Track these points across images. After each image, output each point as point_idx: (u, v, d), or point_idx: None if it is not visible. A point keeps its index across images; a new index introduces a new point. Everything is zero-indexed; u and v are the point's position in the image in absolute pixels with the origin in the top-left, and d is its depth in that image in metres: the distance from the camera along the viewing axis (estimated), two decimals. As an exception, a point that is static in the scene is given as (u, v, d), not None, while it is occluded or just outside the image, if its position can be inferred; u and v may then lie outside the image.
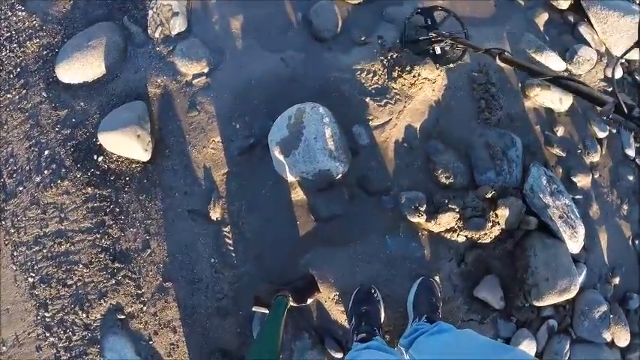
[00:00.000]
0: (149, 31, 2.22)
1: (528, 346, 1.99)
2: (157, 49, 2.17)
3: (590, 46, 2.45)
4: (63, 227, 2.03)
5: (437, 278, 1.93)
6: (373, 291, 1.79)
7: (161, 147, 2.03)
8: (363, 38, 2.12)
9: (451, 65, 2.08)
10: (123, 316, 1.95)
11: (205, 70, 2.08)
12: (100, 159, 2.05)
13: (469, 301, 1.99)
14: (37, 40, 2.31)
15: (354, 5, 2.21)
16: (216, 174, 1.97)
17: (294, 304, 1.77)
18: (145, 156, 1.97)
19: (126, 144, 1.94)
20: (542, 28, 2.42)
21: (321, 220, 1.91)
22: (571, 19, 2.52)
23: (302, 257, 1.88)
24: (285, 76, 2.03)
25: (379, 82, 2.03)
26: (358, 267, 1.88)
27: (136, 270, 1.96)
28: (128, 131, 1.92)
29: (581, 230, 2.08)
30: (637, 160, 2.48)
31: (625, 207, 2.39)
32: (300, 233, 1.90)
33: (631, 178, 2.42)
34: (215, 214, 1.93)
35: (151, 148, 1.99)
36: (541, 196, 2.02)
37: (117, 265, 1.97)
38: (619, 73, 2.53)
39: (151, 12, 2.24)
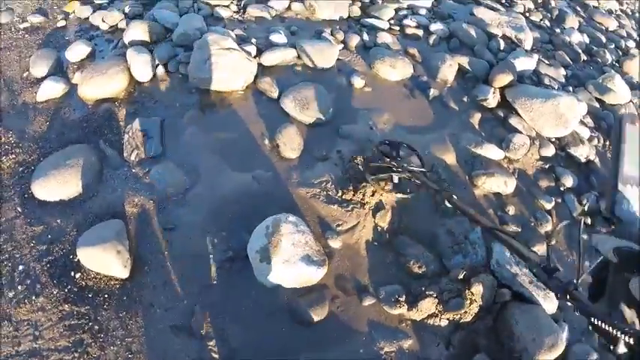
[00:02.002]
0: (125, 154, 2.63)
1: None
2: (133, 170, 2.56)
3: (521, 133, 3.07)
4: (37, 346, 2.06)
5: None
6: None
7: (139, 264, 2.27)
8: (324, 154, 2.63)
9: (406, 196, 2.55)
10: None
11: (181, 191, 2.48)
12: (78, 276, 2.21)
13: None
14: (13, 156, 2.61)
15: (312, 127, 2.78)
16: (196, 288, 2.22)
17: None
18: (124, 273, 2.21)
19: (105, 260, 2.18)
20: (477, 126, 3.06)
21: (305, 324, 2.17)
22: (501, 114, 3.23)
23: (292, 365, 2.09)
24: (257, 192, 2.49)
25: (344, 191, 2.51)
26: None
27: (120, 391, 2.02)
28: (108, 247, 2.17)
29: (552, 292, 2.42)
30: (588, 221, 2.95)
31: (587, 263, 2.76)
32: (287, 340, 2.14)
33: (585, 237, 2.84)
34: (199, 328, 2.13)
35: (130, 264, 2.23)
36: (508, 267, 2.43)
37: (98, 385, 2.01)
38: (551, 152, 3.12)
39: (126, 136, 2.70)
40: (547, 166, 3.11)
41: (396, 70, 3.21)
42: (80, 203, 2.44)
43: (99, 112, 2.86)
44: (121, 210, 2.42)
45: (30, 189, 2.44)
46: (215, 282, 2.25)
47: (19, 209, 2.43)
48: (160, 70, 3.05)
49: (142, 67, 2.98)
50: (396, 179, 2.50)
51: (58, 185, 2.43)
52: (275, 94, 2.94)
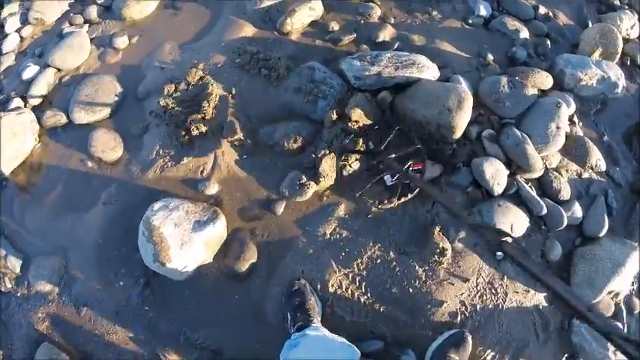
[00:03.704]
0: (2, 289, 2.33)
1: (494, 165, 2.08)
2: (19, 295, 2.28)
3: None
4: None
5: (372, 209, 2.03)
6: (302, 282, 1.90)
7: (85, 357, 2.09)
8: (142, 126, 2.34)
9: (412, 195, 2.04)
10: None
11: (62, 272, 2.23)
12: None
13: (416, 195, 2.07)
14: None
15: (114, 114, 2.48)
16: (142, 333, 2.03)
17: None
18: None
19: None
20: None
21: (248, 274, 2.03)
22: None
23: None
24: (117, 212, 2.21)
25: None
26: (303, 268, 1.99)
27: None
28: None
29: (421, 58, 2.28)
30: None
31: (435, 13, 2.66)
32: (247, 299, 2.00)
33: None
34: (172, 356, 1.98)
35: (77, 365, 2.04)
36: (366, 73, 2.21)
37: None
38: None
39: (-11, 272, 2.38)
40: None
41: (145, 3, 2.78)
42: (5, 363, 2.19)
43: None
44: (38, 334, 2.17)
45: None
46: (152, 314, 2.05)
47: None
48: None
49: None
50: (388, 180, 2.04)
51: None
52: (64, 119, 2.54)
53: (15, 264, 2.33)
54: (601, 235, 2.13)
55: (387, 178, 2.02)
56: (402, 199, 2.03)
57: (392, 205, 2.03)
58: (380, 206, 2.03)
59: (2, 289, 2.33)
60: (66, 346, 2.11)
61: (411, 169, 2.01)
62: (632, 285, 2.14)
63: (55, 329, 2.15)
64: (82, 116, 2.49)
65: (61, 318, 2.16)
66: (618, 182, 2.33)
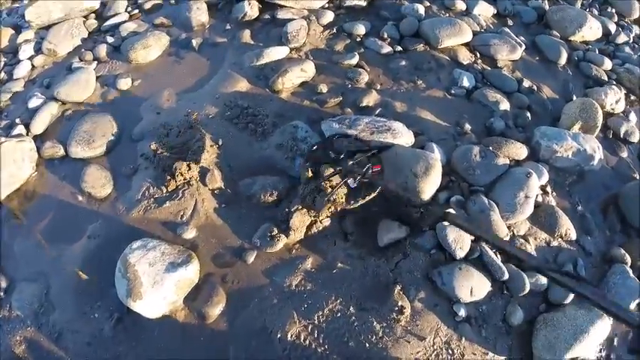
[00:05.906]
0: None
1: (456, 231, 2.23)
2: (0, 316, 2.42)
3: (295, 19, 3.10)
4: None
5: (338, 264, 2.22)
6: None
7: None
8: (131, 167, 2.57)
9: (374, 195, 2.26)
10: None
11: (43, 299, 2.39)
12: None
13: (381, 254, 2.26)
14: None
15: (108, 153, 2.71)
16: None
17: None
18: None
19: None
20: (252, 41, 3.04)
21: (208, 318, 2.19)
22: (268, 17, 3.22)
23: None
24: (99, 246, 2.40)
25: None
26: (266, 317, 2.15)
27: None
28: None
29: (397, 125, 2.50)
30: (397, 48, 3.08)
31: (419, 82, 2.92)
32: (212, 343, 2.15)
33: (403, 62, 3.01)
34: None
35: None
36: (342, 135, 2.42)
37: None
38: (330, 16, 3.17)
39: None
40: (334, 30, 3.13)
41: (151, 48, 3.07)
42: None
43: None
44: (14, 356, 2.31)
45: None
46: (121, 348, 2.19)
47: None
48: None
49: None
50: (352, 183, 2.26)
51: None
52: (61, 151, 2.78)
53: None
54: (566, 302, 2.19)
55: (350, 181, 2.24)
56: (367, 198, 2.24)
57: (357, 204, 2.25)
58: (348, 206, 2.26)
59: (-15, 315, 2.48)
60: (35, 372, 2.23)
61: (370, 171, 2.24)
62: (601, 352, 2.19)
63: (31, 353, 2.29)
64: (78, 151, 2.73)
65: (38, 343, 2.30)
66: (589, 251, 2.42)
